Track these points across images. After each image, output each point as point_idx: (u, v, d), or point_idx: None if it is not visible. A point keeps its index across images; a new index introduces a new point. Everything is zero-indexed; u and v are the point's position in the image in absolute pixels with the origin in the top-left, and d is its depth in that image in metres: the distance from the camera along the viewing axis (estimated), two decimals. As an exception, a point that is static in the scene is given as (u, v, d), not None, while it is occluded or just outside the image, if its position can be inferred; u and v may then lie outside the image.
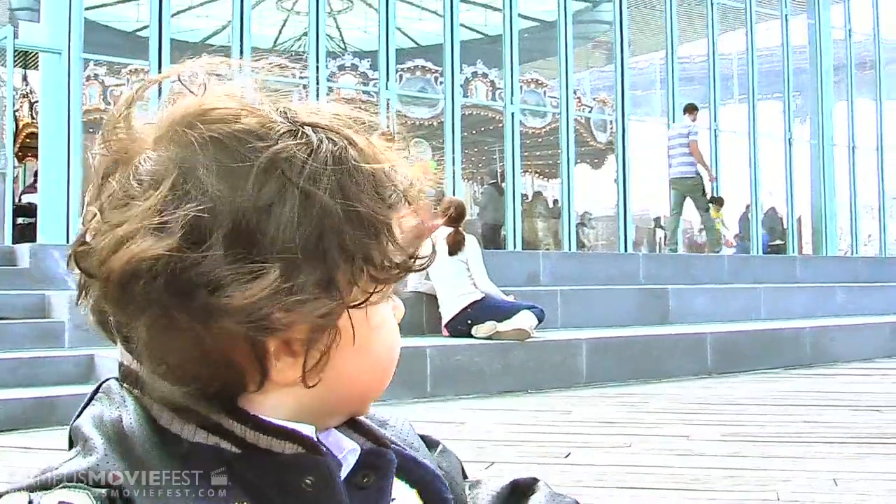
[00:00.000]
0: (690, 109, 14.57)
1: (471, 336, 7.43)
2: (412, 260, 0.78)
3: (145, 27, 12.83)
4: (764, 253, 18.63)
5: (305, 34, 14.70)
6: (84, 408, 0.76)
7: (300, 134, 0.73)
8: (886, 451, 4.46)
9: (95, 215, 0.73)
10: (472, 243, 7.83)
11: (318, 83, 13.55)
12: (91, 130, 16.94)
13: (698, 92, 19.27)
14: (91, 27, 14.00)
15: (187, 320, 0.69)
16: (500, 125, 16.19)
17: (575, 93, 18.02)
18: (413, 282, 8.10)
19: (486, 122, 19.23)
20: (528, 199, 20.56)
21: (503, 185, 16.19)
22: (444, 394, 6.58)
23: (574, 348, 7.22)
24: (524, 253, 13.18)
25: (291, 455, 0.74)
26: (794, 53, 20.19)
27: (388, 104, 14.45)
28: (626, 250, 15.75)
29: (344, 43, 22.52)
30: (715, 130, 17.05)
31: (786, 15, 19.57)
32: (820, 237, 20.05)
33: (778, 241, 20.43)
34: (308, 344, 0.73)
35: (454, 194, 14.84)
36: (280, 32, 22.56)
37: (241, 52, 12.74)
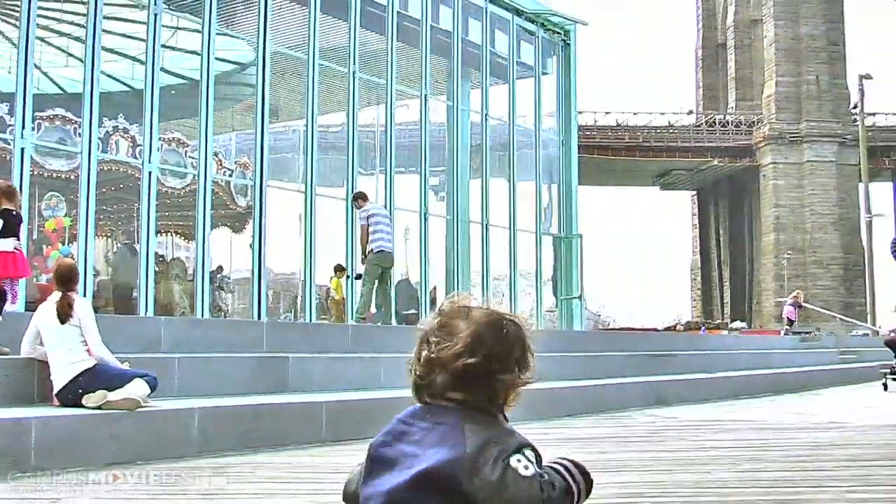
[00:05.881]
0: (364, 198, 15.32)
1: (82, 406, 7.18)
2: (531, 377, 2.15)
3: None
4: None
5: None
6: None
7: (511, 323, 2.13)
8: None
9: (426, 350, 2.12)
10: (83, 308, 7.56)
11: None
12: None
13: (339, 161, 19.79)
14: None
15: (487, 385, 2.07)
16: (140, 183, 15.84)
17: (216, 155, 17.99)
18: (26, 348, 7.72)
19: (127, 179, 18.72)
20: (165, 260, 20.19)
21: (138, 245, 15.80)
22: (49, 467, 6.26)
23: (186, 417, 7.14)
24: (147, 318, 12.90)
25: None
26: (436, 131, 21.24)
27: (22, 154, 13.82)
28: (259, 316, 15.80)
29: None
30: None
31: (425, 95, 20.55)
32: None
33: (412, 311, 21.08)
34: (511, 393, 2.13)
35: (86, 252, 14.37)
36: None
37: None
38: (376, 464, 2.07)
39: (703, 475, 6.10)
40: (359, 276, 15.36)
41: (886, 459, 7.17)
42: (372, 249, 14.49)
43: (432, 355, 2.02)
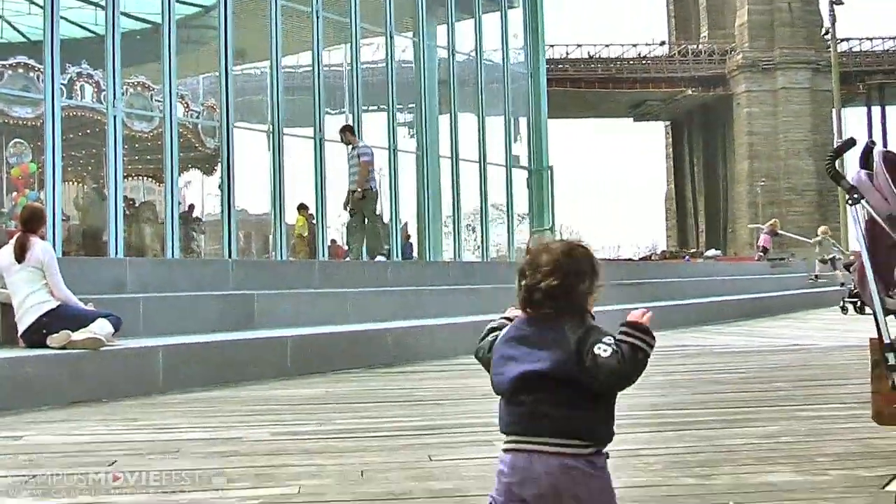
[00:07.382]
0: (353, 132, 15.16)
1: (47, 346, 7.24)
2: (601, 284, 2.63)
3: None
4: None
5: None
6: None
7: (579, 247, 2.64)
8: (420, 442, 4.83)
9: (523, 281, 2.61)
10: (44, 250, 7.59)
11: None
12: None
13: (306, 101, 19.70)
14: None
15: (570, 296, 2.56)
16: (106, 128, 15.74)
17: (182, 98, 17.88)
18: (-9, 291, 7.77)
19: (93, 125, 18.59)
20: (135, 203, 20.14)
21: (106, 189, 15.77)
22: (15, 406, 6.34)
23: (150, 355, 7.22)
24: (113, 259, 12.91)
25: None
26: (404, 68, 21.15)
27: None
28: (230, 256, 15.84)
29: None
30: (321, 140, 17.60)
31: (390, 32, 20.43)
32: (424, 243, 21.07)
33: (385, 247, 21.03)
34: (590, 298, 2.61)
35: (54, 198, 14.33)
36: None
37: None
38: (504, 359, 2.65)
39: (660, 398, 6.25)
40: (353, 213, 14.91)
41: (839, 378, 7.37)
42: (371, 188, 14.41)
43: (528, 283, 2.62)
